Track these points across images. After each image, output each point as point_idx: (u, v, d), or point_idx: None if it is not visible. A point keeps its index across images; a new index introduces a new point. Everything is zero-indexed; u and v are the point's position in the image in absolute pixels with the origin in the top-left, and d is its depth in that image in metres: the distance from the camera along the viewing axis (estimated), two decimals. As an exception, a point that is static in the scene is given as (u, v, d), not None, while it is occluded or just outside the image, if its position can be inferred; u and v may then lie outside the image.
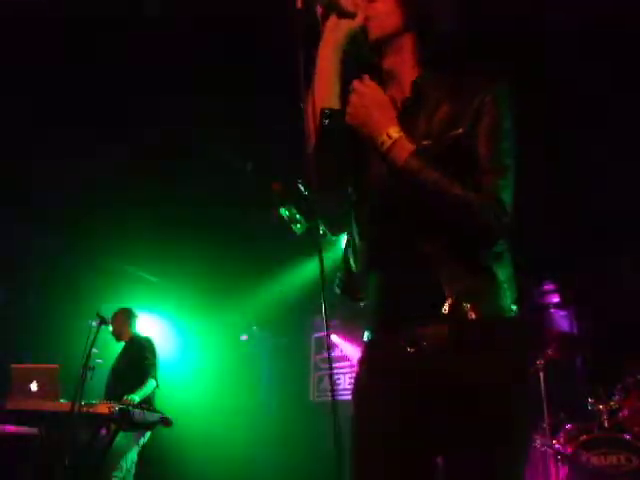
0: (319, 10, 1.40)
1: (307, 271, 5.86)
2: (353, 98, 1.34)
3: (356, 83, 1.36)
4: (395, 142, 1.30)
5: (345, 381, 6.55)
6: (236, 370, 6.82)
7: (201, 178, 4.65)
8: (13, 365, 3.65)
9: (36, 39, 3.39)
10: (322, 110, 1.35)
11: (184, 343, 6.91)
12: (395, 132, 1.31)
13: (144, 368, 4.13)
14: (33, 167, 4.49)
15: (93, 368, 3.57)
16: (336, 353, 6.71)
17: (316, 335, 6.95)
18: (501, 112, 1.32)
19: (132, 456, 3.86)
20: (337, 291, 1.52)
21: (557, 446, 3.70)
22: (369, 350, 1.42)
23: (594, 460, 3.52)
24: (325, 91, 1.38)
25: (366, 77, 1.37)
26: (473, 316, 1.26)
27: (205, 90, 3.80)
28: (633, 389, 3.77)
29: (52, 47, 3.45)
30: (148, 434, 4.00)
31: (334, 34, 1.39)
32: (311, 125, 1.36)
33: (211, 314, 6.69)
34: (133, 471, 3.88)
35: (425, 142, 1.32)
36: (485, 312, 1.27)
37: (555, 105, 3.65)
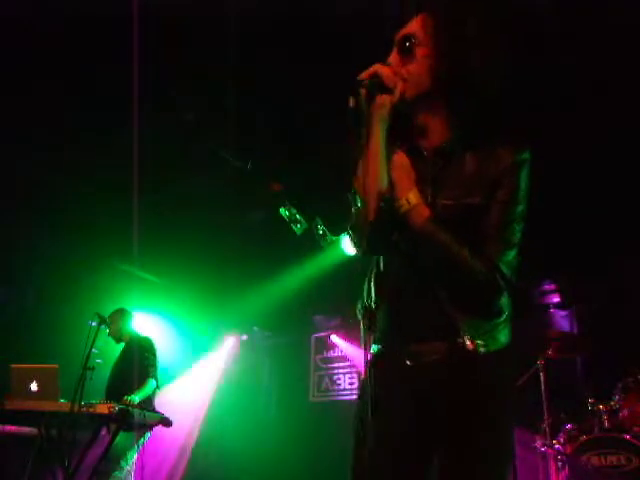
0: (362, 92, 1.44)
1: (307, 271, 5.86)
2: None
3: None
4: (413, 208, 1.44)
5: (345, 381, 6.55)
6: (235, 370, 6.82)
7: (201, 176, 4.66)
8: (13, 365, 3.64)
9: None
10: (382, 196, 1.45)
11: (183, 342, 6.91)
12: (414, 198, 1.45)
13: (144, 368, 4.13)
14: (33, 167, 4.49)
15: (93, 368, 3.57)
16: (336, 353, 6.71)
17: (316, 335, 6.95)
18: (518, 180, 1.45)
19: (132, 456, 3.86)
20: (358, 316, 1.61)
21: (557, 446, 3.70)
22: (375, 361, 1.53)
23: (594, 460, 3.52)
24: (380, 172, 1.46)
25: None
26: (482, 350, 1.42)
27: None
28: (633, 389, 3.77)
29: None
30: (148, 434, 4.00)
31: (380, 111, 1.45)
32: (370, 203, 1.45)
33: (211, 314, 6.68)
34: (133, 471, 3.88)
35: (446, 202, 1.46)
36: (491, 347, 1.44)
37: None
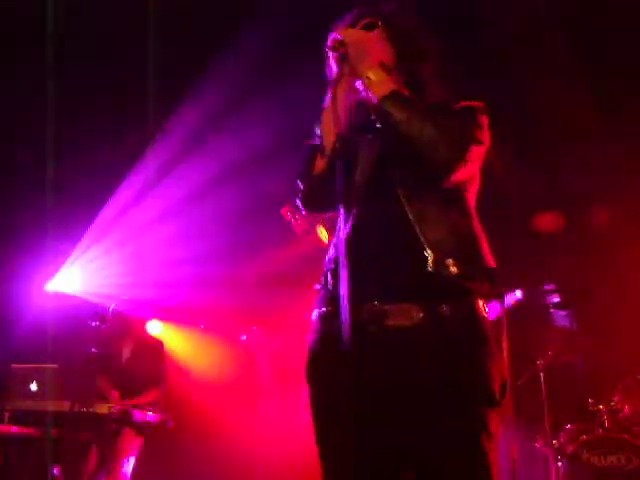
0: (332, 55, 1.49)
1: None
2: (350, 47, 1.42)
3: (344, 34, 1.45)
4: (373, 83, 1.41)
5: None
6: (234, 370, 6.82)
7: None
8: (13, 365, 3.64)
9: None
10: (338, 135, 1.41)
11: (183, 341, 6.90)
12: (374, 75, 1.41)
13: (146, 369, 4.11)
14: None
15: (94, 368, 3.57)
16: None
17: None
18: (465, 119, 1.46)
19: (131, 456, 3.86)
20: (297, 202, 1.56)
21: (557, 446, 3.70)
22: (325, 323, 1.40)
23: (594, 460, 3.52)
24: (339, 113, 1.44)
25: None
26: (455, 271, 1.31)
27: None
28: (633, 389, 3.78)
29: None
30: (148, 434, 4.00)
31: (350, 81, 1.49)
32: (326, 145, 1.46)
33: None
34: (131, 472, 3.88)
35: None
36: (466, 270, 1.34)
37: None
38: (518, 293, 4.14)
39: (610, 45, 3.50)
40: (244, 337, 7.22)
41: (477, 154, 1.44)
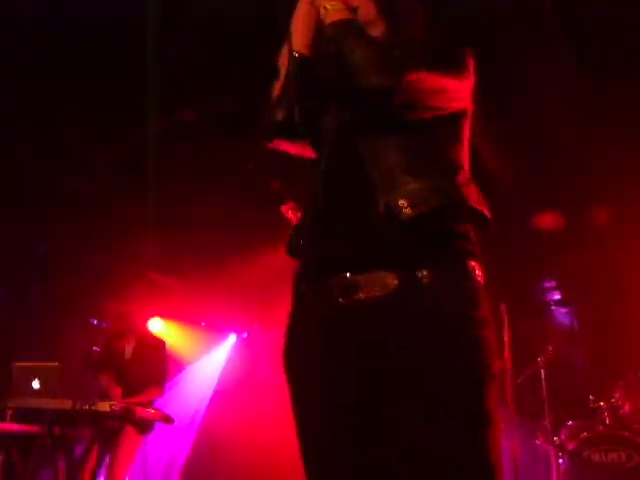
0: None
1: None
2: None
3: None
4: (327, 13, 1.30)
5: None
6: (236, 367, 6.82)
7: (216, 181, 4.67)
8: (15, 363, 3.65)
9: None
10: (292, 53, 1.34)
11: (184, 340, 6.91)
12: (329, 4, 1.31)
13: (148, 367, 4.11)
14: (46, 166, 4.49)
15: (95, 366, 3.57)
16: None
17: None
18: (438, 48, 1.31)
19: (134, 453, 3.87)
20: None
21: (558, 443, 3.71)
22: (297, 303, 1.26)
23: (595, 457, 3.52)
24: (298, 34, 1.36)
25: None
26: (409, 212, 1.12)
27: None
28: (634, 386, 3.78)
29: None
30: (149, 432, 4.00)
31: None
32: (283, 70, 1.36)
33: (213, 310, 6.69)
34: (132, 468, 3.88)
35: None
36: (428, 210, 1.13)
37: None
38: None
39: (611, 45, 3.49)
40: (245, 335, 7.24)
41: (435, 83, 1.21)
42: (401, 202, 1.13)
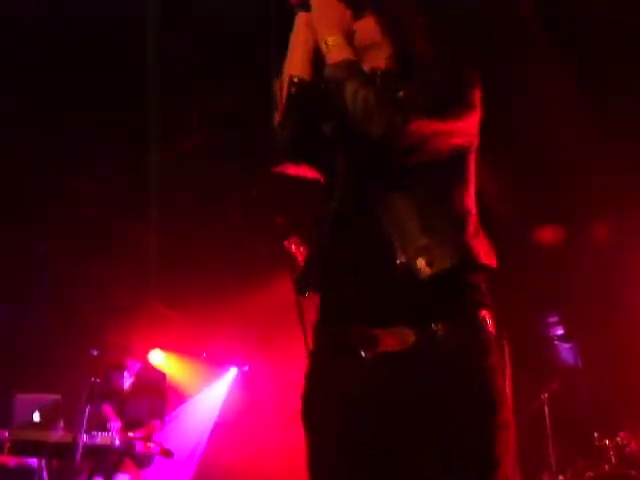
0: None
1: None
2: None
3: None
4: (329, 50, 1.27)
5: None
6: (237, 400, 6.76)
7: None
8: (17, 394, 3.63)
9: None
10: (291, 77, 1.32)
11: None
12: (332, 40, 1.27)
13: (149, 402, 4.08)
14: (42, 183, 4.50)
15: (95, 398, 3.55)
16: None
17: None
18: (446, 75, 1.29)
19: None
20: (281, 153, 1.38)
21: (563, 482, 3.64)
22: (318, 350, 1.29)
23: (601, 497, 3.46)
24: (296, 59, 1.34)
25: None
26: (428, 272, 1.15)
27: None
28: (640, 424, 3.73)
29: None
30: (148, 466, 3.95)
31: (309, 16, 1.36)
32: (281, 95, 1.33)
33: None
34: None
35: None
36: (441, 265, 1.16)
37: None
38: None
39: (610, 62, 3.51)
40: (246, 368, 7.17)
41: (440, 127, 1.20)
42: (419, 261, 1.16)
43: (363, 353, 1.18)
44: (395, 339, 1.17)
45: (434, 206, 1.23)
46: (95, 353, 3.85)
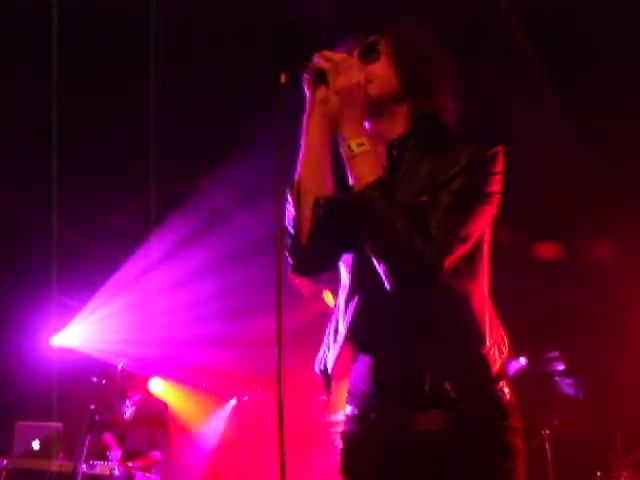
0: (307, 80, 1.28)
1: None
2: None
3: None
4: (356, 155, 1.21)
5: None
6: (237, 431, 6.69)
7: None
8: (18, 422, 3.61)
9: None
10: (317, 200, 1.26)
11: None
12: (355, 144, 1.22)
13: (150, 431, 4.05)
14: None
15: (95, 427, 3.53)
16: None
17: (320, 398, 6.83)
18: (472, 176, 1.25)
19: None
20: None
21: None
22: (356, 426, 1.38)
23: (604, 537, 3.40)
24: (315, 174, 1.27)
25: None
26: (454, 395, 1.27)
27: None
28: (642, 463, 3.69)
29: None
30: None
31: (324, 106, 1.26)
32: (304, 214, 1.26)
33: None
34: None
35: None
36: (464, 390, 1.28)
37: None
38: (522, 360, 4.11)
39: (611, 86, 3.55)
40: (246, 398, 7.12)
41: (471, 244, 1.25)
42: (447, 386, 1.27)
43: (401, 435, 1.30)
44: (428, 421, 1.29)
45: (454, 316, 1.30)
46: (95, 380, 3.85)
